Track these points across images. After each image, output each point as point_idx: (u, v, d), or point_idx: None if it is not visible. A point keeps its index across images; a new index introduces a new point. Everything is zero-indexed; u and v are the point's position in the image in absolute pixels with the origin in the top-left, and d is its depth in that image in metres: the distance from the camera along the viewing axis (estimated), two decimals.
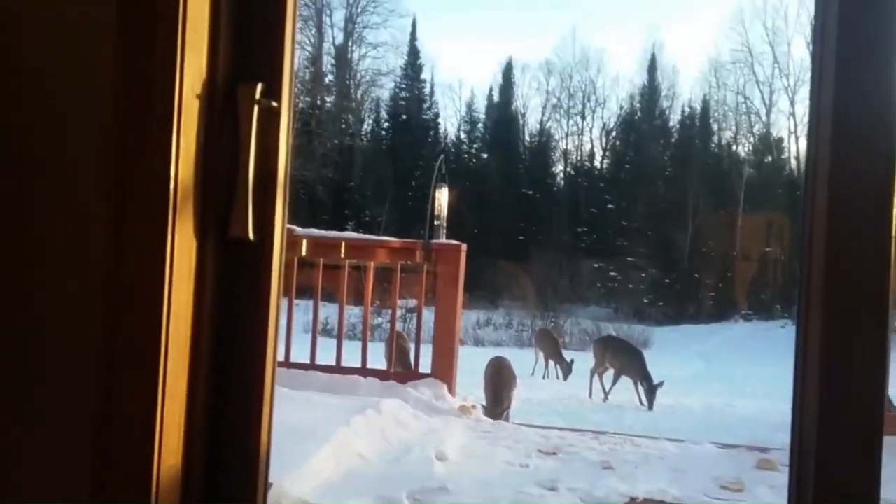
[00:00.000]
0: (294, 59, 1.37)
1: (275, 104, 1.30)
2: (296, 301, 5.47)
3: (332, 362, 5.23)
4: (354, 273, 5.50)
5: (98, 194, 1.22)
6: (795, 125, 31.50)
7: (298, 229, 5.28)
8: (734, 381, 13.51)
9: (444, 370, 5.00)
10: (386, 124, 35.28)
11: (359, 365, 5.22)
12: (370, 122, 35.60)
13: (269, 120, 1.31)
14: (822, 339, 1.32)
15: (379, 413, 3.88)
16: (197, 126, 1.24)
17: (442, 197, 5.53)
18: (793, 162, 31.74)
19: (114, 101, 1.21)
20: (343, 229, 23.59)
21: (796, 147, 31.41)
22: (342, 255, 5.04)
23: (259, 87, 1.28)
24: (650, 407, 9.10)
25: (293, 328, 5.15)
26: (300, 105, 28.82)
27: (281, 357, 5.41)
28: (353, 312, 6.10)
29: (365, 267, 5.38)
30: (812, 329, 1.36)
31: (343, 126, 32.62)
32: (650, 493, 3.37)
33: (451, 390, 5.00)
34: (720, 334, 22.75)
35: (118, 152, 1.21)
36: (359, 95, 34.78)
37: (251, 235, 1.28)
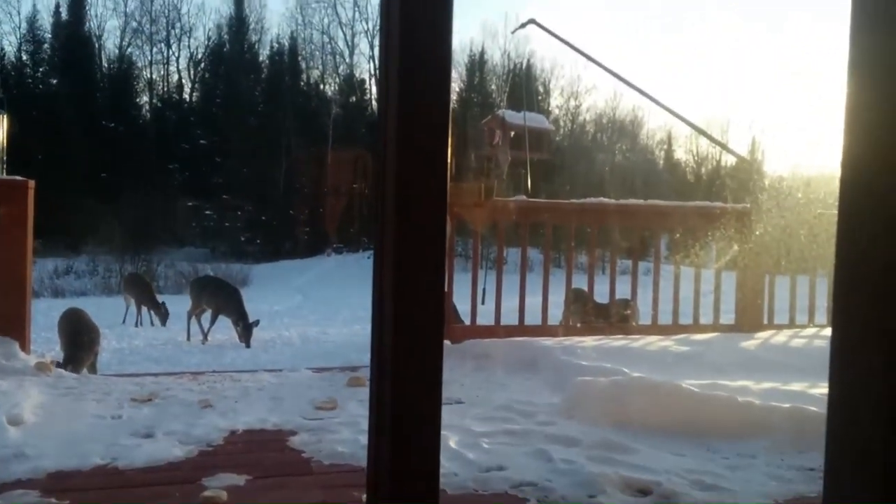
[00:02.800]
0: None
1: None
2: None
3: None
4: None
5: None
6: (375, 68, 33.90)
7: None
8: (328, 311, 14.42)
9: (13, 325, 4.35)
10: None
11: None
12: None
13: None
14: (394, 261, 1.47)
15: None
16: None
17: None
18: (373, 103, 34.27)
19: None
20: None
21: (376, 89, 33.86)
22: None
23: None
24: (247, 344, 9.22)
25: None
26: None
27: None
28: None
29: None
30: (386, 254, 1.51)
31: None
32: (250, 423, 3.44)
33: (24, 347, 4.38)
34: (315, 268, 23.90)
35: None
36: None
37: None
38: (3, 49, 30.86)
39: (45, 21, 31.31)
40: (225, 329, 9.86)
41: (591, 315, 6.11)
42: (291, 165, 29.94)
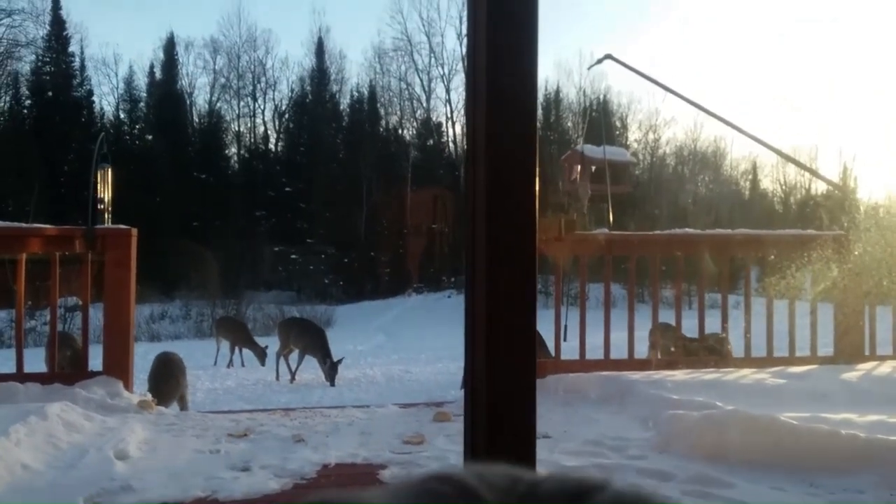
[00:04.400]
0: None
1: None
2: None
3: None
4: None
5: None
6: (451, 111, 34.52)
7: None
8: (410, 350, 14.51)
9: (118, 366, 4.59)
10: (27, 101, 31.02)
11: (13, 371, 4.59)
12: (7, 98, 31.00)
13: None
14: (487, 303, 1.51)
15: (43, 418, 3.46)
16: None
17: (105, 178, 5.03)
18: (451, 145, 34.80)
19: None
20: None
21: (452, 131, 34.45)
22: None
23: None
24: (332, 383, 9.37)
25: None
26: None
27: None
28: None
29: (15, 261, 4.71)
30: (478, 296, 1.54)
31: None
32: (341, 457, 3.51)
33: (127, 386, 4.62)
34: (396, 307, 24.16)
35: None
36: None
37: None
38: (102, 109, 32.98)
39: (141, 81, 33.34)
40: (311, 369, 10.06)
41: (680, 349, 5.95)
42: (372, 208, 30.60)
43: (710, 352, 5.68)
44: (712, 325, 5.86)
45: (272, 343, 11.23)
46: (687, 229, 5.61)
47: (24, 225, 4.92)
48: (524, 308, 1.54)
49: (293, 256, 29.13)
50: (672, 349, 6.00)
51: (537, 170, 1.55)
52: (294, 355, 10.15)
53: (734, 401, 3.93)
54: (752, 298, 5.59)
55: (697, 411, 3.67)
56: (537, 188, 1.55)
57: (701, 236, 5.52)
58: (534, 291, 1.56)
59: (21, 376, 4.53)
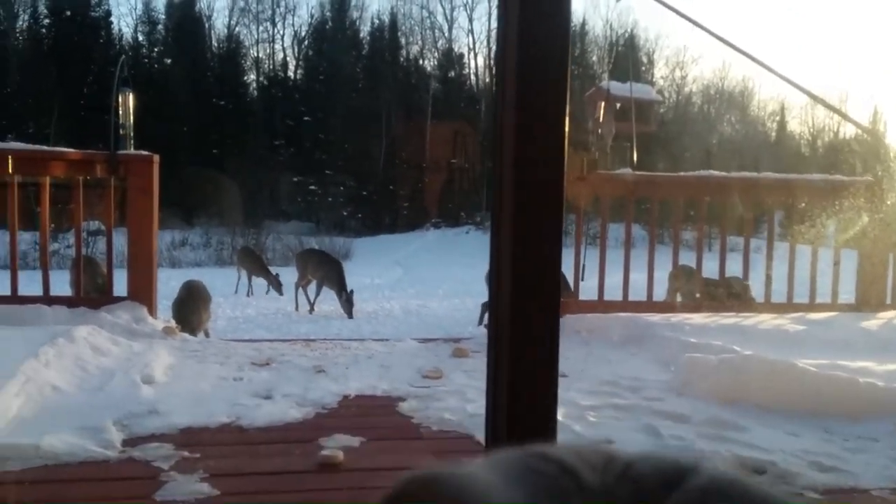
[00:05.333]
0: None
1: None
2: None
3: (6, 293, 4.61)
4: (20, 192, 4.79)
5: None
6: (474, 42, 33.80)
7: None
8: (428, 285, 14.60)
9: (142, 291, 4.66)
10: (46, 21, 30.70)
11: (40, 294, 4.67)
12: (26, 17, 30.69)
13: None
14: (513, 239, 1.49)
15: (71, 341, 3.54)
16: None
17: (127, 103, 5.00)
18: (472, 77, 34.20)
19: None
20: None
21: (475, 63, 33.79)
22: (9, 171, 4.37)
23: None
24: (349, 315, 9.50)
25: None
26: None
27: None
28: (21, 238, 5.31)
29: (38, 184, 4.74)
30: (504, 231, 1.53)
31: None
32: (361, 389, 3.57)
33: (151, 312, 4.69)
34: (414, 242, 24.22)
35: None
36: None
37: None
38: (120, 31, 32.62)
39: (160, 2, 32.84)
40: (330, 300, 10.19)
41: (699, 292, 5.94)
42: (392, 141, 30.35)
43: (730, 296, 5.67)
44: (733, 268, 5.83)
45: (290, 274, 11.36)
46: (712, 171, 5.51)
47: (46, 148, 4.93)
48: (551, 249, 1.53)
49: (312, 187, 29.09)
50: (693, 293, 5.99)
51: (567, 109, 1.52)
52: (312, 286, 10.26)
53: (752, 346, 3.93)
54: (775, 243, 5.54)
55: (715, 355, 3.68)
56: (567, 128, 1.52)
57: (727, 179, 5.42)
58: (559, 233, 1.55)
59: (48, 299, 4.62)
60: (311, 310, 10.03)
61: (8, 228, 4.72)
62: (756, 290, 5.82)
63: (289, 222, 26.88)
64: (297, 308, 10.15)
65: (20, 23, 30.66)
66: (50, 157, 4.79)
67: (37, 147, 4.97)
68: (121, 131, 4.80)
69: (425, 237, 25.27)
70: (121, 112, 4.87)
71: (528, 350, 1.59)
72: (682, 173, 5.85)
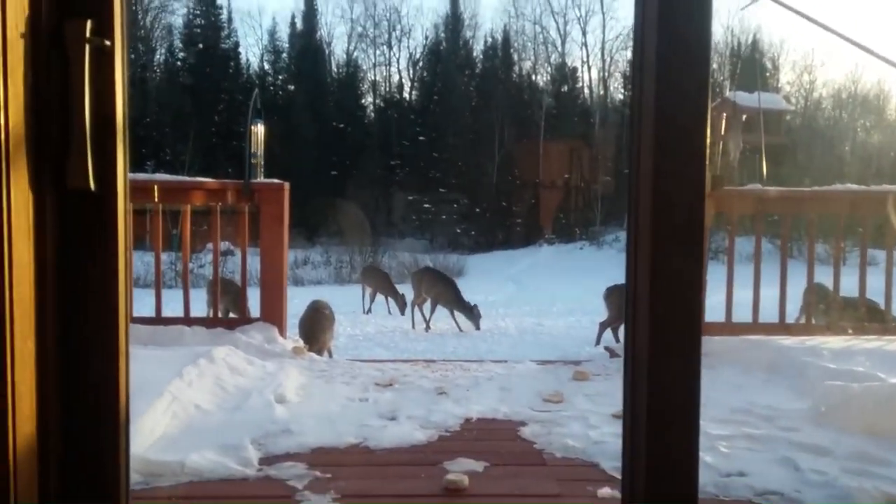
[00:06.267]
0: None
1: (107, 43, 1.19)
2: None
3: (150, 314, 4.95)
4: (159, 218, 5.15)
5: None
6: (587, 55, 33.54)
7: None
8: (542, 302, 14.49)
9: (273, 313, 4.91)
10: (181, 54, 32.95)
11: (181, 315, 4.99)
12: (163, 51, 33.06)
13: (102, 59, 1.20)
14: (651, 261, 1.46)
15: (211, 361, 3.76)
16: (24, 68, 1.11)
17: (258, 133, 5.30)
18: (586, 91, 33.84)
19: None
20: (142, 170, 21.96)
21: (588, 77, 33.41)
22: (156, 200, 4.72)
23: (88, 23, 1.16)
24: (477, 326, 9.64)
25: None
26: None
27: None
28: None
29: (182, 211, 5.09)
30: (642, 252, 1.50)
31: (132, 56, 29.97)
32: (482, 412, 3.59)
33: (282, 332, 4.93)
34: (528, 258, 24.14)
35: None
36: (147, 22, 32.05)
37: (92, 185, 1.19)
38: (248, 61, 34.55)
39: (283, 32, 34.55)
40: (445, 318, 10.31)
41: (837, 312, 5.58)
42: (504, 158, 30.47)
43: (871, 317, 5.30)
44: (874, 284, 5.44)
45: (408, 291, 11.56)
46: (850, 185, 5.18)
47: (188, 178, 5.29)
48: (688, 272, 1.49)
49: (426, 205, 29.64)
50: (830, 313, 5.64)
51: (708, 124, 1.48)
52: (427, 304, 10.44)
53: None
54: None
55: (858, 383, 3.45)
56: (707, 145, 1.48)
57: (862, 193, 5.08)
58: (701, 258, 1.51)
59: (188, 320, 4.92)
60: (427, 327, 10.18)
61: (152, 250, 5.08)
62: None
63: (403, 240, 27.44)
64: (413, 326, 10.33)
65: (157, 56, 33.04)
66: (191, 186, 5.13)
67: (179, 177, 5.34)
68: (252, 160, 5.08)
69: (539, 253, 25.13)
70: (253, 142, 5.16)
71: (667, 381, 1.56)
72: (816, 188, 5.52)
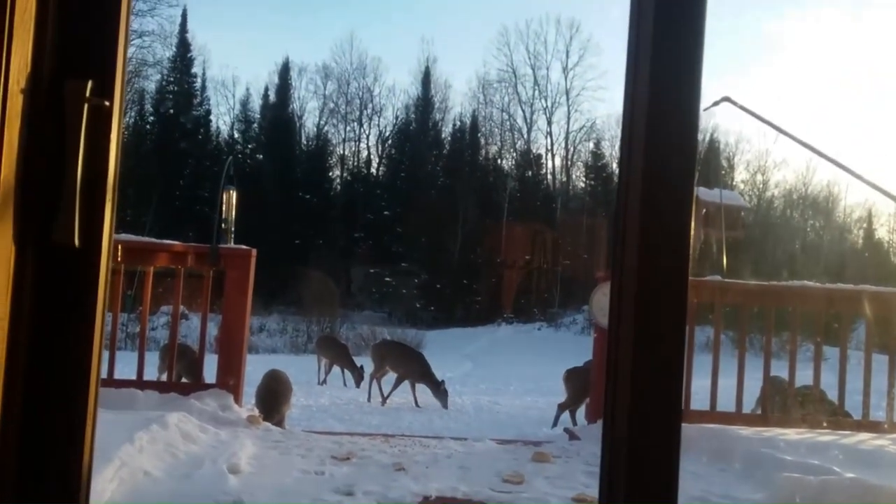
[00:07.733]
0: (126, 53, 1.28)
1: (106, 103, 1.21)
2: None
3: (102, 376, 4.81)
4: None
5: None
6: (552, 143, 34.51)
7: None
8: (498, 381, 14.40)
9: (230, 379, 4.80)
10: (151, 118, 33.05)
11: (133, 377, 4.86)
12: (132, 114, 33.11)
13: (99, 119, 1.21)
14: (634, 342, 1.49)
15: (164, 427, 3.64)
16: (20, 122, 1.12)
17: (230, 200, 5.30)
18: (549, 177, 34.72)
19: None
20: None
21: (552, 164, 34.41)
22: (118, 259, 4.65)
23: (89, 84, 1.18)
24: (445, 405, 9.51)
25: None
26: None
27: None
28: (108, 319, 5.59)
29: (141, 272, 5.02)
30: (624, 333, 1.52)
31: None
32: (441, 490, 3.52)
33: (237, 400, 4.81)
34: (486, 336, 24.10)
35: None
36: None
37: (77, 242, 1.19)
38: (218, 128, 34.75)
39: (256, 103, 34.94)
40: (402, 393, 10.16)
41: (793, 405, 5.66)
42: (467, 236, 30.79)
43: (824, 410, 5.39)
44: (827, 380, 5.55)
45: (366, 363, 11.39)
46: (806, 282, 5.35)
47: (155, 241, 5.24)
48: (671, 355, 1.51)
49: (387, 279, 29.62)
50: (786, 406, 5.72)
51: (693, 209, 1.52)
52: (385, 378, 10.29)
53: (854, 468, 3.70)
54: (873, 355, 5.27)
55: (814, 475, 3.48)
56: (692, 231, 1.52)
57: (824, 290, 5.25)
58: (682, 343, 1.53)
59: (140, 383, 4.79)
60: (384, 402, 10.01)
61: (110, 311, 4.97)
62: (851, 403, 5.51)
63: (362, 312, 27.25)
64: (369, 399, 10.14)
65: (127, 118, 33.06)
66: (156, 248, 5.08)
67: (145, 239, 5.29)
68: (223, 226, 5.06)
69: (497, 332, 25.11)
70: (224, 208, 5.16)
71: (645, 462, 1.56)
72: (773, 282, 5.69)
